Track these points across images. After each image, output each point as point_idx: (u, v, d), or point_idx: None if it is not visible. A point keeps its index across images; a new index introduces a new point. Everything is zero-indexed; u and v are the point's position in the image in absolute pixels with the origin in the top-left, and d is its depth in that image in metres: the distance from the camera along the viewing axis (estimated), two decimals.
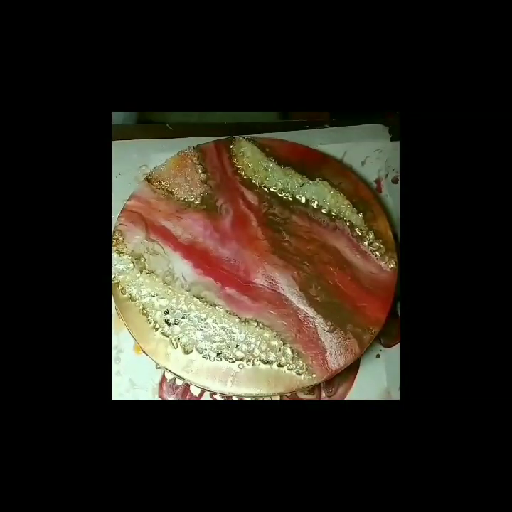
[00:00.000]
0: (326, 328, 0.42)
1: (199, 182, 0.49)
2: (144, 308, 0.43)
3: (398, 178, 0.53)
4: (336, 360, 0.41)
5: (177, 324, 0.42)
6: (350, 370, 0.44)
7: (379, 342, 0.46)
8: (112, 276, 0.44)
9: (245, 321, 0.42)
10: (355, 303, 0.43)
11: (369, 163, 0.54)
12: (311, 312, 0.43)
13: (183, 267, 0.45)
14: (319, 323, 0.42)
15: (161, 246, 0.45)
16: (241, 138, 0.51)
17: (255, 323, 0.42)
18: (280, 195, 0.48)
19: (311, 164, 0.50)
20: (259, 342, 0.41)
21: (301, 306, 0.43)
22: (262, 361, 0.41)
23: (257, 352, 0.41)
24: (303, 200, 0.48)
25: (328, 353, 0.41)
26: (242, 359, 0.41)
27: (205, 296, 0.43)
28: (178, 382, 0.45)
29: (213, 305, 0.43)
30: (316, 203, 0.48)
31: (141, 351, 0.43)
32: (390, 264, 0.45)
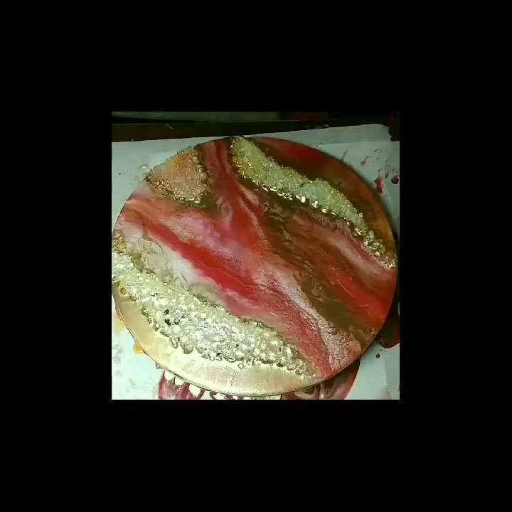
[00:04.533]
0: (329, 330, 0.42)
1: (199, 181, 0.49)
2: (143, 308, 0.43)
3: (398, 178, 0.53)
4: (338, 362, 0.41)
5: (177, 324, 0.42)
6: (350, 370, 0.44)
7: (379, 342, 0.46)
8: (112, 276, 0.44)
9: (245, 320, 0.42)
10: (357, 304, 0.43)
11: (369, 163, 0.54)
12: (313, 313, 0.43)
13: (182, 267, 0.45)
14: (322, 324, 0.42)
15: (158, 245, 0.45)
16: (241, 137, 0.51)
17: (255, 323, 0.42)
18: (280, 194, 0.48)
19: (311, 164, 0.50)
20: (259, 341, 0.41)
21: (303, 306, 0.43)
22: (262, 361, 0.41)
23: (256, 351, 0.41)
24: (303, 199, 0.48)
25: (330, 356, 0.41)
26: (242, 359, 0.41)
27: (206, 296, 0.43)
28: (178, 382, 0.45)
29: (213, 305, 0.43)
30: (316, 202, 0.48)
31: (141, 351, 0.43)
32: (390, 264, 0.45)
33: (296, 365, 0.40)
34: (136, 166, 0.52)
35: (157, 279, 0.44)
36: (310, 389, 0.45)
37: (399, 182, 0.52)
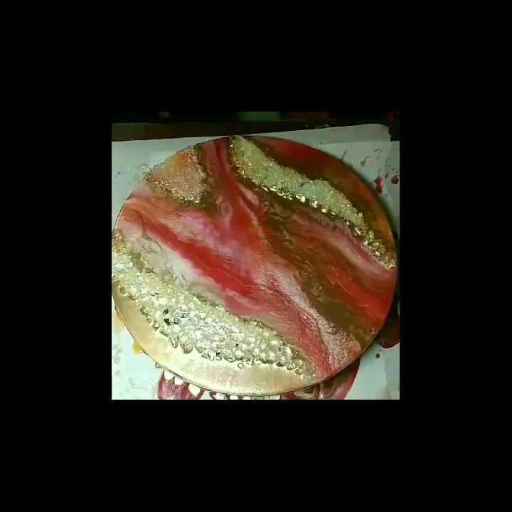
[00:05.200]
0: (329, 330, 0.42)
1: (199, 181, 0.49)
2: (143, 308, 0.43)
3: (398, 178, 0.53)
4: (338, 362, 0.41)
5: (176, 323, 0.42)
6: (350, 370, 0.44)
7: (379, 342, 0.46)
8: (112, 276, 0.44)
9: (245, 320, 0.42)
10: (357, 304, 0.43)
11: (369, 163, 0.54)
12: (313, 313, 0.43)
13: (182, 267, 0.44)
14: (322, 324, 0.42)
15: (158, 244, 0.45)
16: (241, 137, 0.51)
17: (255, 323, 0.42)
18: (280, 194, 0.48)
19: (311, 164, 0.50)
20: (258, 341, 0.41)
21: (303, 306, 0.43)
22: (262, 360, 0.41)
23: (256, 351, 0.41)
24: (303, 199, 0.48)
25: (330, 356, 0.41)
26: (241, 358, 0.41)
27: (206, 296, 0.43)
28: (178, 382, 0.45)
29: (213, 304, 0.43)
30: (316, 202, 0.48)
31: (141, 350, 0.43)
32: (390, 264, 0.45)
33: (296, 365, 0.40)
34: (135, 166, 0.52)
35: (157, 278, 0.44)
36: (309, 389, 0.45)
37: (399, 182, 0.52)
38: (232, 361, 0.41)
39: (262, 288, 0.44)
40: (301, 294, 0.43)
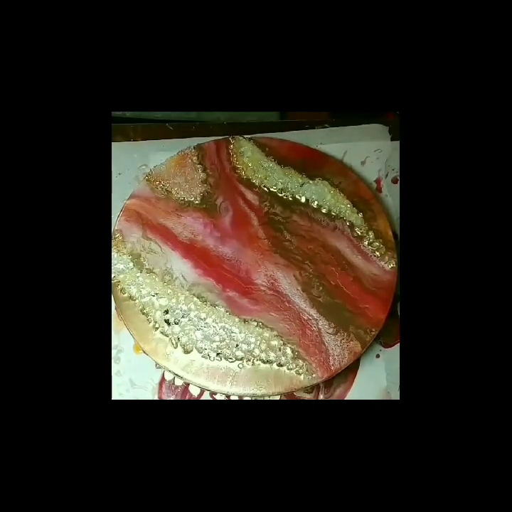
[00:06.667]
0: (330, 331, 0.42)
1: (199, 181, 0.49)
2: (143, 308, 0.43)
3: (398, 178, 0.53)
4: (338, 363, 0.41)
5: (177, 324, 0.42)
6: (350, 370, 0.44)
7: (379, 342, 0.46)
8: (112, 276, 0.44)
9: (245, 320, 0.42)
10: (358, 304, 0.43)
11: (369, 163, 0.54)
12: (314, 313, 0.43)
13: (182, 267, 0.44)
14: (323, 325, 0.42)
15: (158, 244, 0.45)
16: (241, 137, 0.51)
17: (255, 323, 0.42)
18: (280, 194, 0.48)
19: (311, 164, 0.50)
20: (258, 341, 0.41)
21: (303, 307, 0.43)
22: (262, 361, 0.41)
23: (256, 352, 0.41)
24: (303, 199, 0.48)
25: (331, 357, 0.41)
26: (241, 359, 0.41)
27: (206, 297, 0.43)
28: (178, 382, 0.45)
29: (213, 305, 0.43)
30: (316, 202, 0.48)
31: (141, 351, 0.43)
32: (390, 264, 0.45)
33: (296, 366, 0.40)
34: (136, 166, 0.52)
35: (157, 279, 0.44)
36: (309, 389, 0.45)
37: (399, 182, 0.52)
38: (232, 361, 0.41)
39: (262, 288, 0.44)
40: (302, 294, 0.43)
